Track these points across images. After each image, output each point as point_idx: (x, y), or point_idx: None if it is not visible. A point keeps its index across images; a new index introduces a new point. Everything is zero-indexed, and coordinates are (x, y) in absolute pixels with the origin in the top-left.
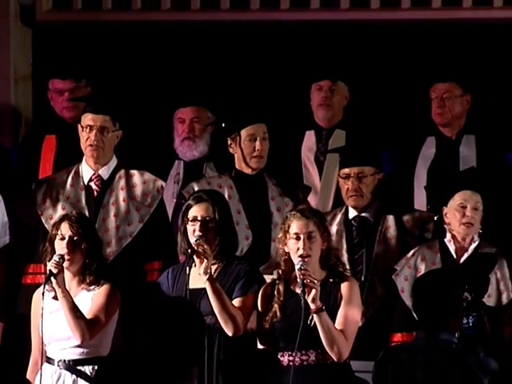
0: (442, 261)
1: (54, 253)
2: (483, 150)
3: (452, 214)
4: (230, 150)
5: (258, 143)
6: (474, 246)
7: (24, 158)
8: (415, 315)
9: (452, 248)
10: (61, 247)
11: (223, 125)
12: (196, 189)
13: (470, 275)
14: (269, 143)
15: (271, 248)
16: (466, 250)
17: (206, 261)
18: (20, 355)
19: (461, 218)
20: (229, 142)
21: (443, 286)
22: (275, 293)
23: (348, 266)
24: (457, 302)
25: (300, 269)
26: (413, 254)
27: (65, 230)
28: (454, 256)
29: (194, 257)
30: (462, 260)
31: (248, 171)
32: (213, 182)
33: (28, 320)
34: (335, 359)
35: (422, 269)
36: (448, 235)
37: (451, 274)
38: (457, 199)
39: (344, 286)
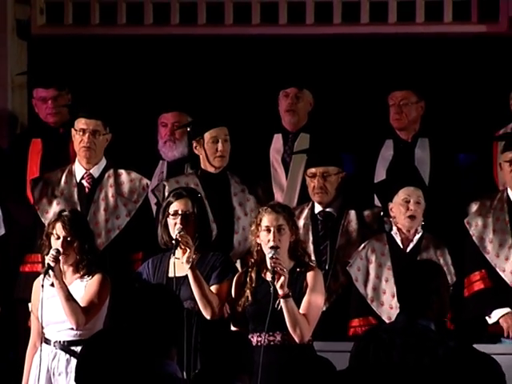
0: (390, 251)
1: (51, 247)
2: (436, 152)
3: (397, 208)
4: (195, 151)
5: (220, 145)
6: (418, 236)
7: (13, 159)
8: (397, 300)
9: (398, 239)
10: (57, 244)
11: (188, 129)
12: (167, 187)
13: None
14: (230, 145)
15: (234, 239)
16: (411, 241)
17: (188, 251)
18: (15, 337)
19: (405, 211)
20: (194, 145)
21: (426, 276)
22: (248, 280)
23: (313, 257)
24: (438, 292)
25: (271, 257)
26: (364, 247)
27: (59, 230)
28: (401, 246)
29: (177, 247)
30: (408, 250)
31: (212, 170)
32: (180, 181)
33: (24, 305)
34: (297, 341)
35: (373, 259)
36: (394, 228)
37: (435, 265)
38: (401, 195)
39: (309, 275)
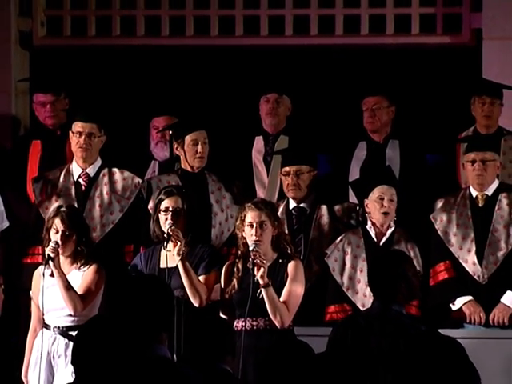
0: (364, 244)
1: (51, 240)
2: (405, 152)
3: (372, 204)
4: (176, 152)
5: (199, 147)
6: (390, 230)
7: (15, 159)
8: (370, 288)
9: (373, 233)
10: (56, 237)
11: (170, 132)
12: (153, 186)
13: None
14: (208, 147)
15: (211, 233)
16: (384, 234)
17: (179, 244)
18: (17, 323)
19: (379, 208)
20: (175, 146)
21: (393, 263)
22: (235, 270)
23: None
24: (405, 277)
25: (252, 250)
26: (341, 240)
27: (58, 224)
28: (375, 239)
29: (169, 241)
30: (381, 243)
31: (191, 170)
32: (163, 179)
33: (26, 293)
34: (278, 326)
35: (349, 251)
36: (369, 222)
37: (404, 255)
38: (376, 192)
39: (290, 266)
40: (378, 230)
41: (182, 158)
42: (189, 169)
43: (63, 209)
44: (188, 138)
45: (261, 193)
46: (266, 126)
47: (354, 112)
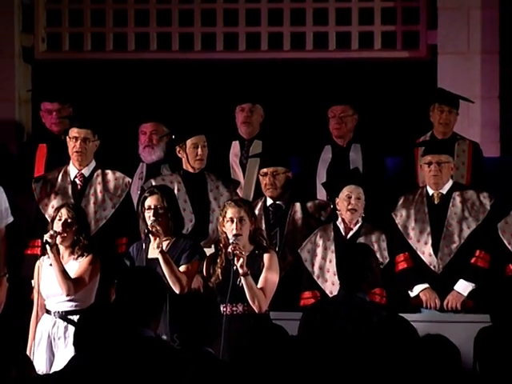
0: (334, 237)
1: None
2: (367, 155)
3: (341, 202)
4: (179, 155)
5: (199, 150)
6: (358, 226)
7: (22, 161)
8: (338, 277)
9: (342, 228)
10: (58, 226)
11: (173, 136)
12: (154, 184)
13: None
14: (207, 150)
15: (209, 228)
16: (352, 229)
17: (158, 238)
18: (22, 309)
19: (347, 205)
20: (177, 149)
21: (359, 256)
22: (217, 260)
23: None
24: (370, 268)
25: (232, 243)
26: (314, 234)
27: (64, 213)
28: (343, 234)
29: (150, 235)
30: (349, 236)
31: (192, 170)
32: (166, 179)
33: (28, 282)
34: (256, 311)
35: (320, 244)
36: (339, 218)
37: (369, 248)
38: (344, 191)
39: (266, 257)
40: (346, 225)
41: (183, 159)
42: (190, 169)
43: (70, 203)
44: (189, 142)
45: (238, 192)
46: (242, 133)
47: (320, 119)
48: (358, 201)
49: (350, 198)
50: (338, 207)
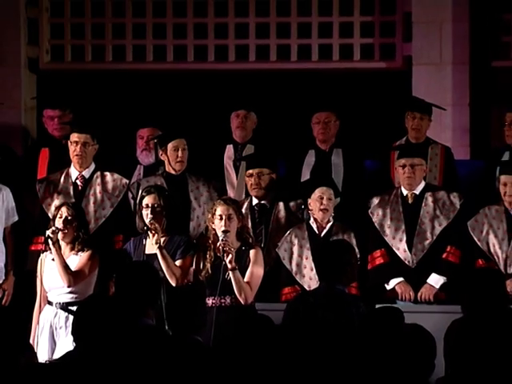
0: (308, 236)
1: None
2: (348, 159)
3: (313, 203)
4: (161, 158)
5: (179, 152)
6: (329, 225)
7: (27, 163)
8: (320, 271)
9: (315, 227)
10: (59, 223)
11: (155, 140)
12: (141, 186)
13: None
14: (188, 152)
15: (190, 225)
16: (324, 228)
17: (156, 235)
18: (26, 300)
19: (319, 206)
20: (160, 152)
21: (341, 251)
22: (207, 256)
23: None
24: (350, 263)
25: (222, 240)
26: (289, 233)
27: (64, 211)
28: (317, 232)
29: (149, 232)
30: (322, 234)
31: (173, 172)
32: (150, 180)
33: (32, 276)
34: (242, 303)
35: (296, 242)
36: (312, 218)
37: (349, 245)
38: (316, 192)
39: (252, 252)
40: (318, 224)
41: (166, 162)
42: (172, 171)
43: (69, 202)
44: (170, 145)
45: (231, 192)
46: (236, 137)
47: (305, 125)
48: (329, 201)
49: (322, 198)
50: (310, 207)
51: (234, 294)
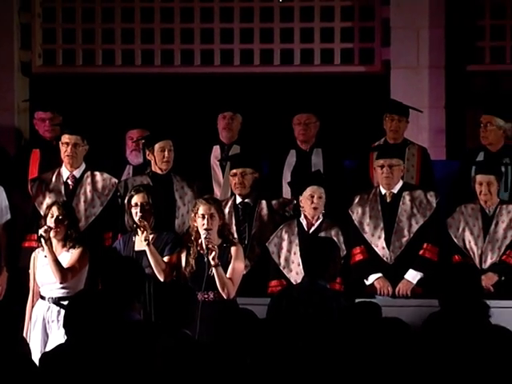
0: (298, 232)
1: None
2: (327, 159)
3: (304, 201)
4: (148, 158)
5: (166, 153)
6: (319, 222)
7: (18, 164)
8: (305, 267)
9: (304, 223)
10: (51, 222)
11: (143, 141)
12: (128, 185)
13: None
14: (173, 153)
15: (175, 223)
16: (313, 225)
17: (145, 232)
18: (19, 295)
19: (310, 204)
20: (147, 153)
21: (326, 248)
22: (191, 252)
23: (236, 235)
24: (334, 260)
25: (205, 238)
26: (280, 229)
27: (54, 210)
28: (306, 229)
29: (138, 229)
30: (311, 231)
31: (160, 172)
32: (137, 180)
33: (25, 271)
34: (225, 297)
35: (285, 238)
36: (302, 215)
37: (332, 241)
38: (308, 191)
39: (233, 249)
40: (308, 221)
41: (152, 162)
42: (158, 171)
43: (59, 200)
44: (157, 146)
45: (217, 191)
46: (223, 138)
47: (287, 127)
48: (319, 200)
49: (312, 197)
50: (301, 205)
51: (216, 290)
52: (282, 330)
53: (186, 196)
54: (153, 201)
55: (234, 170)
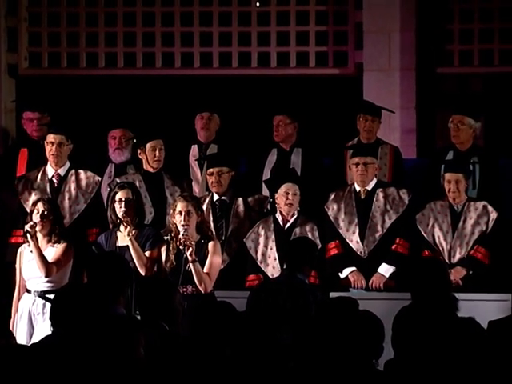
0: (274, 228)
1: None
2: (306, 157)
3: (280, 197)
4: (139, 156)
5: (157, 152)
6: (294, 218)
7: (6, 162)
8: (286, 261)
9: (280, 220)
10: (36, 218)
11: (134, 140)
12: (118, 181)
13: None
14: (164, 152)
15: (166, 219)
16: (289, 221)
17: (128, 227)
18: (6, 289)
19: (285, 200)
20: (139, 152)
21: (308, 247)
22: (170, 248)
23: (214, 231)
24: (312, 257)
25: (182, 234)
26: (257, 225)
27: (40, 206)
28: (282, 225)
29: (121, 224)
30: (286, 227)
31: (151, 170)
32: (129, 178)
33: (12, 266)
34: (202, 291)
35: (262, 233)
36: (278, 211)
37: (310, 240)
38: (283, 188)
39: (210, 245)
40: (284, 217)
41: (144, 160)
42: (149, 169)
43: (44, 197)
44: (148, 145)
45: (196, 188)
46: (200, 137)
47: (267, 127)
48: (294, 196)
49: (287, 194)
50: (277, 201)
51: (194, 284)
52: (260, 322)
53: (176, 193)
54: (136, 197)
55: (211, 170)
